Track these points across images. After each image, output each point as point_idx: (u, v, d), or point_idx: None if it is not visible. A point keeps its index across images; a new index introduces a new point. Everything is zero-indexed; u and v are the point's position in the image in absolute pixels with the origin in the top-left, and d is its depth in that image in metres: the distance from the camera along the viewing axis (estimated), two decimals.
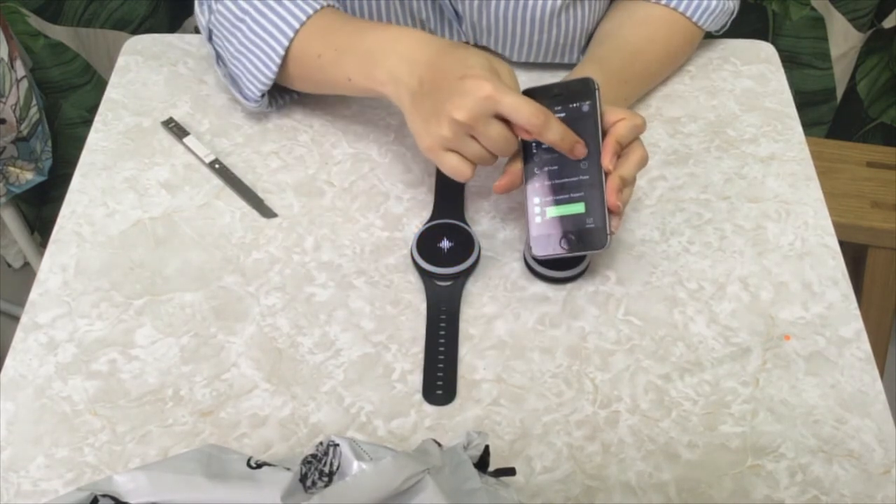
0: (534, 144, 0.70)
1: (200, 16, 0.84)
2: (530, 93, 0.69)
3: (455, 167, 0.68)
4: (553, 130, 0.66)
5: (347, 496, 0.44)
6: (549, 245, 0.69)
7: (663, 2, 0.85)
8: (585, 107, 0.68)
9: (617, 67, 0.81)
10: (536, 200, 0.70)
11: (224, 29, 0.80)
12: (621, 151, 0.68)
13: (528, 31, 0.85)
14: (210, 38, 0.83)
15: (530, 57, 0.89)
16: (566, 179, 0.69)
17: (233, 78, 0.83)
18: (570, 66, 0.87)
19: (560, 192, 0.69)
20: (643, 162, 0.69)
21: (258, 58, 0.78)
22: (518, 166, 0.70)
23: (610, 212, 0.67)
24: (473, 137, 0.67)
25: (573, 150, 0.67)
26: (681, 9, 0.85)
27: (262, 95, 0.81)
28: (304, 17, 0.76)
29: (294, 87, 0.82)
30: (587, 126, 0.68)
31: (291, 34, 0.76)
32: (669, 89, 0.88)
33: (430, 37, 0.71)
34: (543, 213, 0.69)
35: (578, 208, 0.68)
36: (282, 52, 0.77)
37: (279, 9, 0.77)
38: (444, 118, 0.66)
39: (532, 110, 0.65)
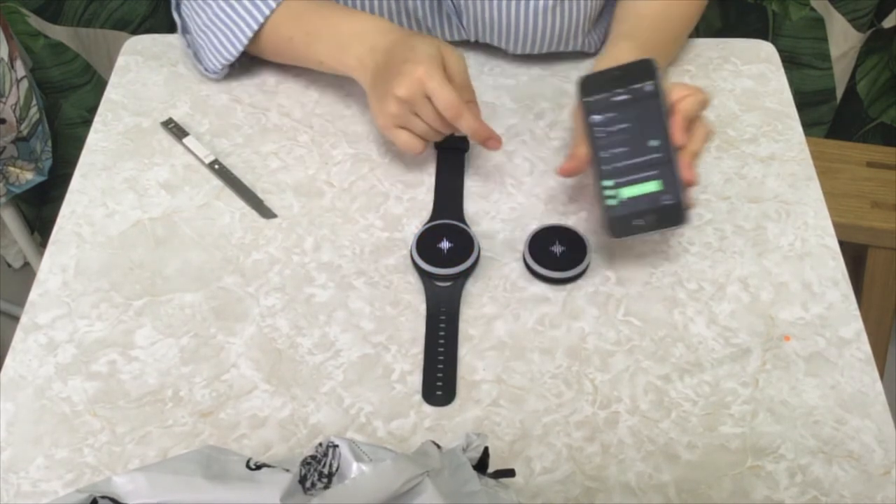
0: (598, 127, 0.70)
1: None
2: (589, 79, 0.71)
3: (406, 142, 0.75)
4: (465, 121, 0.72)
5: (347, 499, 0.44)
6: (627, 226, 0.69)
7: None
8: (648, 86, 0.69)
9: (645, 39, 0.81)
10: (609, 183, 0.69)
11: (194, 2, 0.84)
12: (689, 127, 0.70)
13: (531, 25, 0.85)
14: (178, 8, 0.87)
15: (534, 49, 0.88)
16: (637, 159, 0.69)
17: (196, 48, 0.87)
18: (573, 54, 0.88)
19: (633, 173, 0.69)
20: (708, 136, 0.71)
21: (225, 35, 0.83)
22: (583, 150, 0.71)
23: (686, 185, 0.68)
24: (417, 115, 0.73)
25: (486, 144, 0.75)
26: None
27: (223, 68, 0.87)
28: (273, 5, 0.81)
29: (263, 57, 0.87)
30: (651, 105, 0.69)
31: (261, 18, 0.82)
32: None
33: (392, 26, 0.79)
34: (617, 194, 0.69)
35: (653, 186, 0.68)
36: (249, 33, 0.82)
37: None
38: (390, 97, 0.73)
39: (448, 101, 0.71)
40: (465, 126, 0.73)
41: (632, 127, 0.69)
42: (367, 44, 0.77)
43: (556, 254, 0.72)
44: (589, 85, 0.71)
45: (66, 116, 1.47)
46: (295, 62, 0.86)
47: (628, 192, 0.69)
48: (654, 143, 0.68)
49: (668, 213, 0.68)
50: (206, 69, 0.87)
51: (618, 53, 0.77)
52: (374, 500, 0.44)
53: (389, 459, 0.46)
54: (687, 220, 0.68)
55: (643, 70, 0.70)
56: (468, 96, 0.76)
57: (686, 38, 0.90)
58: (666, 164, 0.68)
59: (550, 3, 0.83)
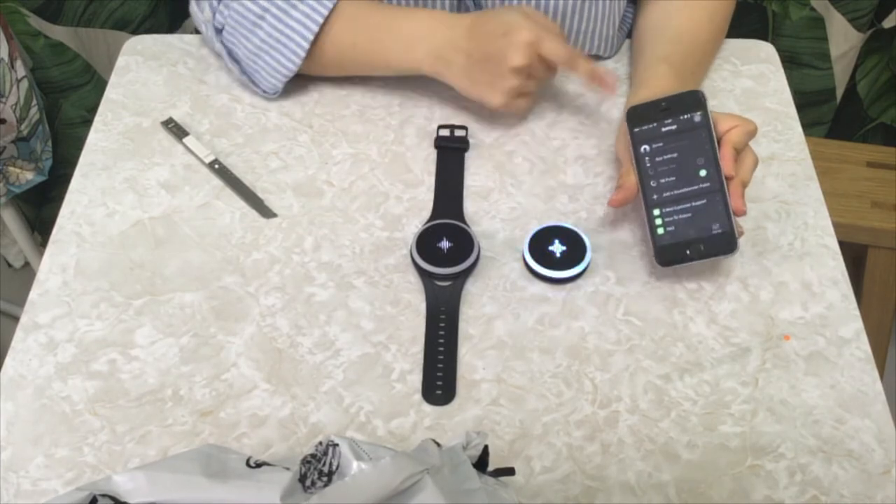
0: (647, 157, 0.71)
1: (199, 13, 0.85)
2: (637, 109, 0.74)
3: (525, 107, 0.82)
4: (582, 65, 0.76)
5: (346, 496, 0.44)
6: (676, 255, 0.70)
7: None
8: (697, 117, 0.71)
9: (682, 62, 0.83)
10: (657, 212, 0.71)
11: (241, 26, 0.83)
12: (737, 157, 0.70)
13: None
14: (219, 35, 0.85)
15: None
16: (686, 189, 0.70)
17: (249, 74, 0.85)
18: (591, 57, 0.89)
19: (682, 202, 0.70)
20: (756, 165, 0.72)
21: (281, 53, 0.82)
22: (632, 180, 0.72)
23: (735, 215, 0.69)
24: (530, 76, 0.77)
25: (603, 83, 0.77)
26: None
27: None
28: (325, 12, 0.80)
29: (323, 74, 0.86)
30: (700, 136, 0.71)
31: (316, 28, 0.80)
32: None
33: (456, 15, 0.80)
34: (666, 223, 0.70)
35: (703, 216, 0.69)
36: (306, 46, 0.81)
37: (301, 6, 0.80)
38: (507, 72, 0.76)
39: (565, 53, 0.75)
40: (583, 70, 0.76)
41: (680, 157, 0.71)
42: (436, 39, 0.79)
43: (555, 254, 0.72)
44: (637, 115, 0.73)
45: (66, 116, 1.47)
46: (359, 70, 0.85)
47: (677, 219, 0.70)
48: (703, 173, 0.70)
49: (718, 242, 0.69)
50: (264, 91, 0.86)
51: (658, 78, 0.80)
52: (374, 497, 0.44)
53: (389, 457, 0.46)
54: (737, 249, 0.69)
55: (692, 101, 0.71)
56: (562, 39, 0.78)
57: (716, 53, 0.91)
58: (715, 194, 0.70)
59: (571, 3, 0.83)
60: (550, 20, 0.79)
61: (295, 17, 0.81)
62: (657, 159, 0.72)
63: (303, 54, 0.81)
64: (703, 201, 0.70)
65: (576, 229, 0.74)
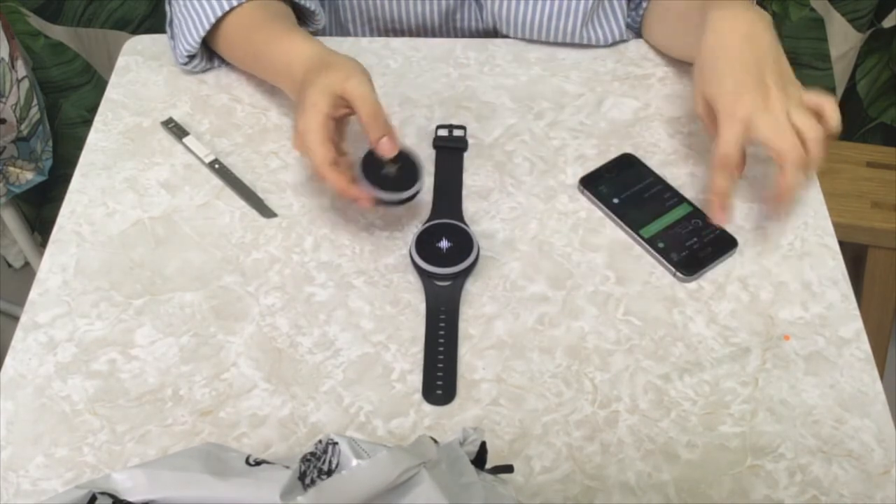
0: (619, 204, 0.77)
1: None
2: (586, 177, 0.79)
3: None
4: (329, 182, 0.70)
5: (344, 490, 0.44)
6: (694, 262, 0.73)
7: None
8: (636, 168, 0.80)
9: None
10: (661, 244, 0.75)
11: None
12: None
13: (555, 19, 0.87)
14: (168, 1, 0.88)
15: (557, 37, 0.90)
16: (668, 218, 0.77)
17: (173, 38, 0.88)
18: (573, 55, 0.89)
19: (673, 228, 0.76)
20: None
21: (187, 25, 0.85)
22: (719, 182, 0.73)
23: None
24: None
25: (358, 202, 0.71)
26: None
27: (191, 58, 0.87)
28: (219, 13, 0.83)
29: (224, 57, 0.89)
30: (649, 181, 0.79)
31: (213, 18, 0.83)
32: (669, 89, 0.88)
33: (314, 53, 0.76)
34: (669, 246, 0.74)
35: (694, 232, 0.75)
36: (207, 25, 0.83)
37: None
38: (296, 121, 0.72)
39: (315, 163, 0.70)
40: (329, 185, 0.71)
41: (646, 198, 0.78)
42: (295, 73, 0.76)
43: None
44: (591, 181, 0.79)
45: (66, 116, 1.47)
46: (243, 68, 0.88)
47: (674, 241, 0.75)
48: (671, 203, 0.77)
49: (720, 242, 0.74)
50: (177, 58, 0.88)
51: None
52: (371, 490, 0.44)
53: (385, 451, 0.46)
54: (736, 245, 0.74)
55: (626, 161, 0.81)
56: (378, 129, 0.71)
57: None
58: (691, 216, 0.76)
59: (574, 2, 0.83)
60: (368, 99, 0.71)
61: (200, 4, 0.83)
62: (629, 204, 0.77)
63: (202, 32, 0.83)
64: (689, 226, 0.75)
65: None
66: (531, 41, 0.92)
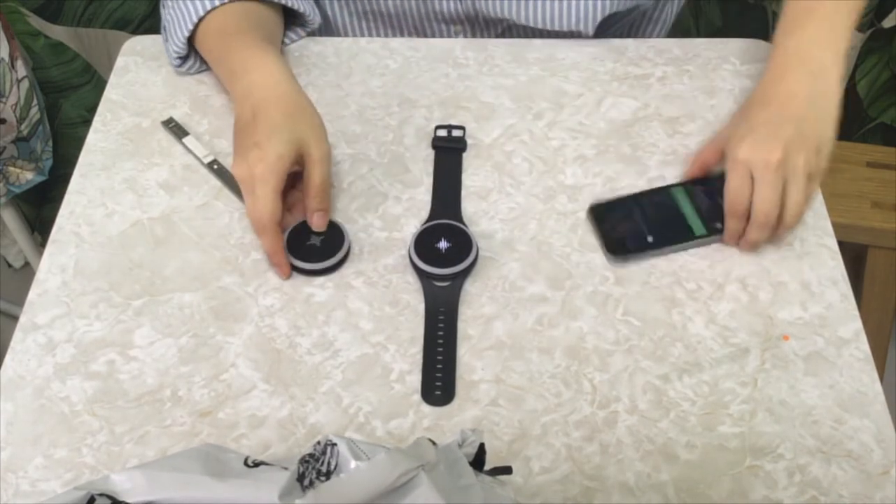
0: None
1: None
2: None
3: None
4: (263, 241, 0.71)
5: (342, 492, 0.44)
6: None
7: None
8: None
9: (802, 13, 0.76)
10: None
11: None
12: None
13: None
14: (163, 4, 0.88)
15: (553, 24, 0.89)
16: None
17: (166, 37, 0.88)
18: (571, 54, 0.89)
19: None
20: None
21: (173, 28, 0.85)
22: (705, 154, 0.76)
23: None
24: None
25: (275, 268, 0.72)
26: None
27: (184, 59, 0.87)
28: (203, 13, 0.82)
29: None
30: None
31: (196, 18, 0.83)
32: (668, 89, 0.88)
33: (280, 80, 0.75)
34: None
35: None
36: (191, 26, 0.83)
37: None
38: (237, 162, 0.71)
39: (255, 217, 0.70)
40: (263, 244, 0.71)
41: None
42: (249, 85, 0.75)
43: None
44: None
45: (66, 116, 1.47)
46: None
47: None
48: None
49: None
50: (170, 58, 0.88)
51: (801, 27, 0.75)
52: (370, 493, 0.44)
53: (384, 453, 0.46)
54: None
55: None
56: (322, 202, 0.72)
57: None
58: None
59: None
60: (322, 168, 0.72)
61: (185, 5, 0.83)
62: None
63: (185, 34, 0.83)
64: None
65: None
66: (512, 23, 0.91)
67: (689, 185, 0.77)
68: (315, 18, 0.90)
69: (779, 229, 0.71)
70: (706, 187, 0.76)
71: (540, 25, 0.89)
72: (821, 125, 0.72)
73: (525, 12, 0.88)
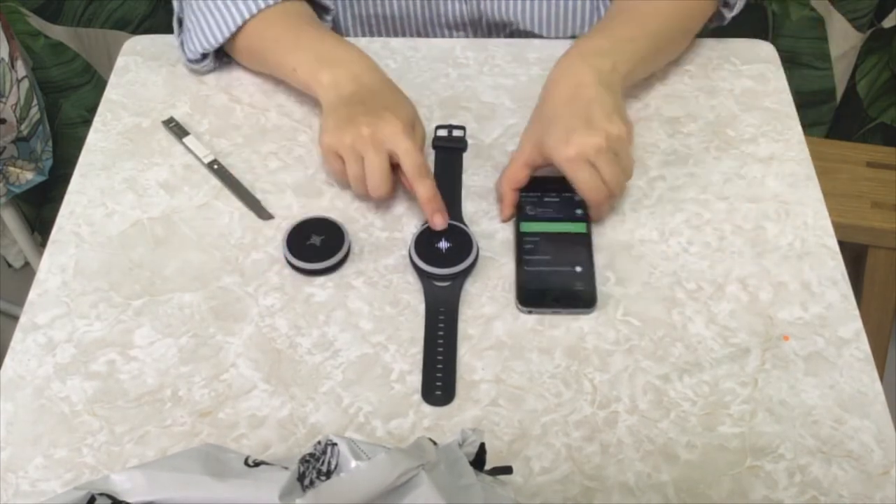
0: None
1: None
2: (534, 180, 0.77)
3: (336, 172, 0.76)
4: (424, 186, 0.73)
5: (342, 492, 0.44)
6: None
7: None
8: (577, 196, 0.75)
9: (620, 29, 0.81)
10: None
11: None
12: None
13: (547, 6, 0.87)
14: None
15: (551, 31, 0.89)
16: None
17: (185, 33, 0.87)
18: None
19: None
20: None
21: (215, 21, 0.83)
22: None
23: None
24: (362, 163, 0.73)
25: (433, 217, 0.73)
26: None
27: (204, 57, 0.87)
28: (271, 2, 0.82)
29: (242, 61, 0.87)
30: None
31: (255, 10, 0.82)
32: (669, 89, 0.88)
33: (377, 66, 0.80)
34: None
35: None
36: (240, 22, 0.82)
37: None
38: (352, 128, 0.73)
39: (417, 163, 0.72)
40: (423, 191, 0.73)
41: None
42: (349, 71, 0.78)
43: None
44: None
45: (66, 116, 1.47)
46: (269, 67, 0.85)
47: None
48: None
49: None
50: (188, 59, 0.87)
51: (585, 40, 0.79)
52: (370, 493, 0.44)
53: (384, 453, 0.46)
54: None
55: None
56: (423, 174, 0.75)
57: (679, 43, 0.88)
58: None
59: None
60: (423, 144, 0.77)
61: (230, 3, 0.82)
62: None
63: (232, 28, 0.82)
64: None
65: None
66: (516, 28, 0.91)
67: (530, 217, 0.76)
68: (332, 12, 0.91)
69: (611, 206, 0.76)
70: (538, 198, 0.76)
71: (545, 31, 0.89)
72: (608, 100, 0.74)
73: (530, 16, 0.88)
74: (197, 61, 0.87)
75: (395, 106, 0.76)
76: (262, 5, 0.82)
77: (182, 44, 0.87)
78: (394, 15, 0.93)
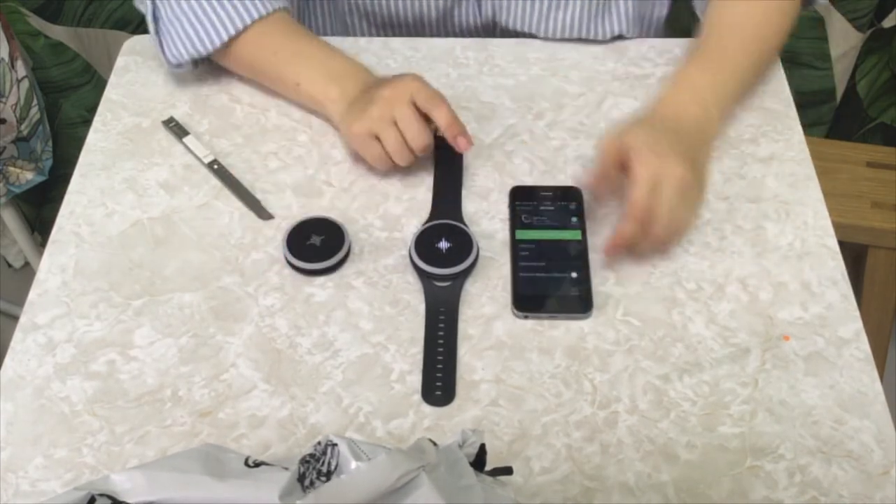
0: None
1: None
2: (521, 189, 0.78)
3: (376, 156, 0.77)
4: (442, 111, 0.75)
5: (343, 493, 0.44)
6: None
7: None
8: (572, 205, 0.76)
9: (714, 47, 0.81)
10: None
11: None
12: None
13: (553, 19, 0.87)
14: None
15: (555, 33, 0.89)
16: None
17: (161, 35, 0.85)
18: (571, 55, 0.89)
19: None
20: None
21: (204, 29, 0.82)
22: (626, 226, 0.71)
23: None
24: (395, 127, 0.75)
25: (456, 140, 0.76)
26: None
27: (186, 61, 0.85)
28: (263, 13, 0.82)
29: (231, 68, 0.87)
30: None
31: (248, 21, 0.82)
32: None
33: (374, 73, 0.82)
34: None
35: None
36: (231, 33, 0.82)
37: None
38: (374, 101, 0.75)
39: (430, 93, 0.75)
40: (441, 113, 0.74)
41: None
42: (356, 81, 0.79)
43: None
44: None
45: (66, 116, 1.47)
46: (267, 80, 0.85)
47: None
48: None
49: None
50: (167, 60, 0.85)
51: (684, 71, 0.80)
52: (370, 494, 0.44)
53: (384, 454, 0.46)
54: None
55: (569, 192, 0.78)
56: (457, 126, 0.77)
57: (776, 40, 0.86)
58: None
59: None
60: (444, 97, 0.77)
61: (232, 3, 0.82)
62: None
63: (224, 38, 0.82)
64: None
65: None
66: (531, 36, 0.92)
67: (525, 224, 0.75)
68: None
69: (638, 242, 0.72)
70: (533, 206, 0.76)
71: (559, 36, 0.89)
72: (702, 154, 0.76)
73: (545, 25, 0.88)
74: (178, 65, 0.85)
75: (399, 77, 0.77)
76: (256, 15, 0.82)
77: (161, 45, 0.85)
78: (408, 21, 0.93)
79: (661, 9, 0.96)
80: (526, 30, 0.91)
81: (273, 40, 0.83)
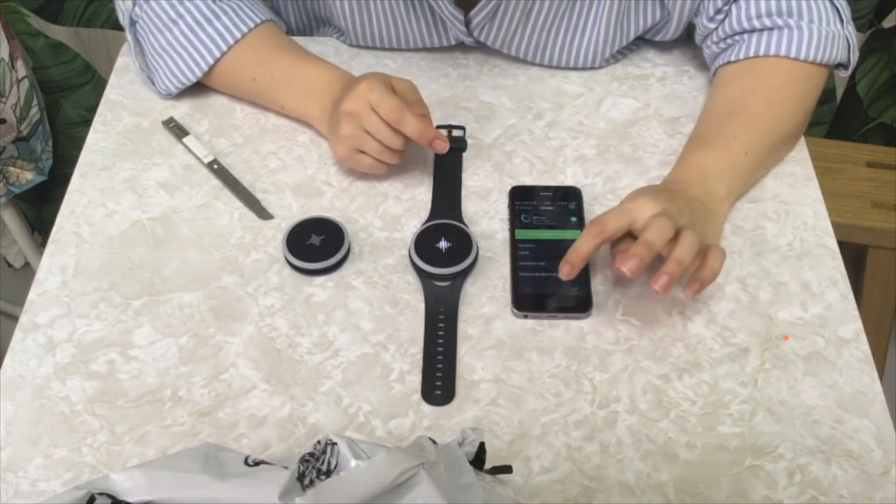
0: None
1: (121, 2, 0.85)
2: (520, 189, 0.78)
3: (368, 165, 0.77)
4: (408, 123, 0.73)
5: (342, 491, 0.44)
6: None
7: (742, 56, 0.81)
8: (572, 205, 0.77)
9: (714, 132, 0.78)
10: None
11: (153, 25, 0.84)
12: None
13: (546, 39, 0.86)
14: (132, 27, 0.86)
15: (562, 63, 0.89)
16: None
17: (150, 72, 0.86)
18: (582, 68, 0.89)
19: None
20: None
21: (184, 61, 0.84)
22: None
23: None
24: (368, 133, 0.75)
25: (432, 145, 0.74)
26: (761, 53, 0.79)
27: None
28: (238, 35, 0.83)
29: (218, 89, 0.88)
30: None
31: (224, 48, 0.83)
32: (669, 89, 0.88)
33: (349, 74, 0.81)
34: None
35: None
36: (209, 62, 0.83)
37: (216, 23, 0.83)
38: (341, 120, 0.76)
39: (390, 105, 0.73)
40: (409, 128, 0.73)
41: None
42: (329, 95, 0.80)
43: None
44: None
45: (66, 116, 1.47)
46: (256, 101, 0.86)
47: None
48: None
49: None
50: (159, 91, 0.86)
51: (686, 156, 0.78)
52: (370, 491, 0.44)
53: (384, 452, 0.46)
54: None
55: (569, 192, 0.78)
56: (420, 110, 0.76)
57: (792, 119, 0.80)
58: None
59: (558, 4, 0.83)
60: (412, 88, 0.77)
61: (207, 32, 0.83)
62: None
63: (204, 68, 0.84)
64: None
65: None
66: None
67: (524, 224, 0.75)
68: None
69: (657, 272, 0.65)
70: (533, 206, 0.76)
71: (554, 64, 0.89)
72: (710, 228, 0.72)
73: (541, 54, 0.88)
74: (168, 94, 0.87)
75: (358, 79, 0.76)
76: (231, 40, 0.83)
77: (153, 78, 0.86)
78: (409, 47, 0.92)
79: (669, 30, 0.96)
80: (521, 56, 0.89)
81: (250, 67, 0.84)
